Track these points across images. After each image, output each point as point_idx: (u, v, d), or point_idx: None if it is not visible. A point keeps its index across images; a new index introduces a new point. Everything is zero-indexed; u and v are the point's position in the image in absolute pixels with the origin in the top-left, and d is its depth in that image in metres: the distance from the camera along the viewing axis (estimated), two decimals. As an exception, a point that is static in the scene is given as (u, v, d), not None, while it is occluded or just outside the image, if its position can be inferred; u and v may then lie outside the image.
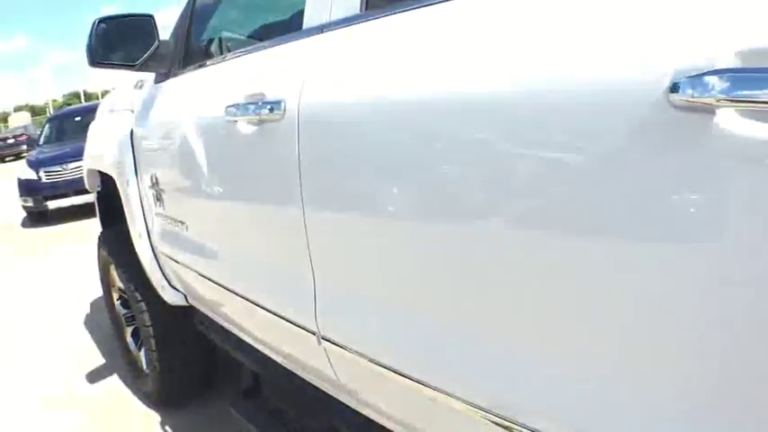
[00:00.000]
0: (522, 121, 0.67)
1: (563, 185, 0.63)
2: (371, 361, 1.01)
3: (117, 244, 2.34)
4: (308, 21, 1.10)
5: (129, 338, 2.53)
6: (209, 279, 1.55)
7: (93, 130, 2.43)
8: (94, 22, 1.68)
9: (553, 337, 0.69)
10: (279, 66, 1.15)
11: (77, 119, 8.35)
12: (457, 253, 0.80)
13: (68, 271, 4.72)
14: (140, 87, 1.94)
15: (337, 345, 1.08)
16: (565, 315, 0.66)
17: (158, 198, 1.79)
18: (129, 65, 1.69)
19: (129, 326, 2.52)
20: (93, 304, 3.73)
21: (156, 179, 1.77)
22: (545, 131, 0.65)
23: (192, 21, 1.69)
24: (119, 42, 1.70)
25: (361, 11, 0.99)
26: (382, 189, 0.90)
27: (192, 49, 1.68)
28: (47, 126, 8.97)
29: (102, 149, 2.19)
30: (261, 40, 1.44)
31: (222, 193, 1.42)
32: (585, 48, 0.61)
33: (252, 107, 1.14)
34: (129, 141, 1.93)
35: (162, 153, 1.74)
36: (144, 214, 1.95)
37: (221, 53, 1.63)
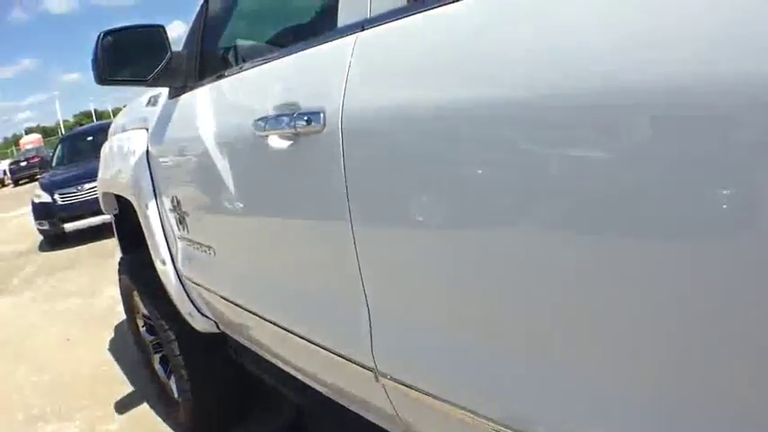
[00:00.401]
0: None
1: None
2: (440, 399, 0.87)
3: (139, 270, 2.22)
4: (345, 17, 0.97)
5: (157, 366, 2.42)
6: (243, 308, 1.43)
7: (106, 151, 2.32)
8: (100, 35, 1.55)
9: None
10: (313, 71, 1.02)
11: (90, 138, 8.30)
12: (538, 279, 0.66)
13: (91, 292, 4.64)
14: (154, 104, 1.82)
15: (400, 382, 0.94)
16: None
17: (181, 221, 1.67)
18: (140, 80, 1.57)
19: (156, 353, 2.41)
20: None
21: (178, 201, 1.65)
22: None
23: (206, 29, 1.56)
24: (128, 56, 1.57)
25: (408, 2, 0.85)
26: (446, 205, 0.77)
27: (207, 59, 1.56)
28: (59, 147, 8.94)
29: (116, 171, 2.08)
30: (283, 45, 1.32)
31: (254, 215, 1.30)
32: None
33: (285, 120, 1.01)
34: (146, 162, 1.81)
35: (183, 173, 1.62)
36: (166, 239, 1.83)
37: (240, 62, 1.50)
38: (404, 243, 0.86)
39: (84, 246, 6.64)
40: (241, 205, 1.32)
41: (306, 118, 0.96)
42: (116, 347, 3.39)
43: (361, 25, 0.90)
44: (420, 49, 0.80)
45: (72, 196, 7.02)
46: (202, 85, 1.50)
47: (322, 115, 0.93)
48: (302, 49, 1.07)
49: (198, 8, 1.58)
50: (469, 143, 0.71)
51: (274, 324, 1.29)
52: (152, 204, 1.82)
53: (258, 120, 1.10)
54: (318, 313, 1.12)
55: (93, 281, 4.97)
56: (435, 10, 0.77)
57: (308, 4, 1.50)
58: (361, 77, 0.88)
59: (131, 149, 1.90)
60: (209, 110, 1.41)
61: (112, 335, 3.60)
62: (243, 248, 1.41)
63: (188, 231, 1.66)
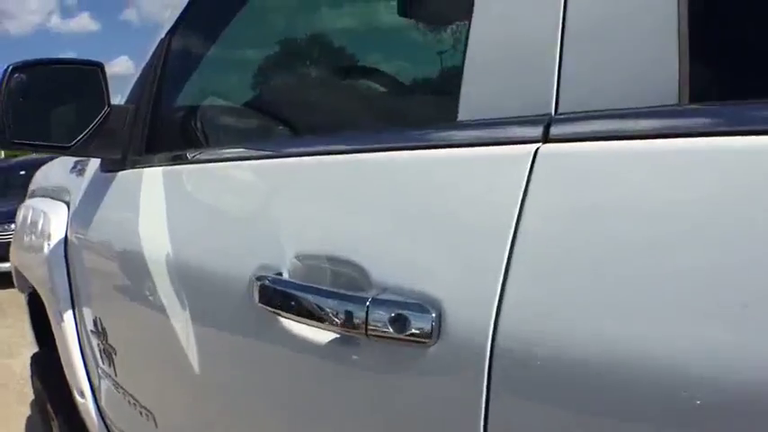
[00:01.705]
0: None
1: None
2: None
3: (56, 380, 1.63)
4: (481, 98, 0.51)
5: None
6: None
7: (22, 214, 1.74)
8: (6, 70, 1.02)
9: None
10: (407, 213, 0.53)
11: (22, 173, 7.37)
12: None
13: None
14: (80, 172, 1.27)
15: None
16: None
17: (106, 354, 1.12)
18: (59, 146, 1.03)
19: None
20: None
21: (103, 329, 1.09)
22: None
23: (164, 76, 1.04)
24: (45, 106, 1.04)
25: (679, 100, 0.39)
26: None
27: (162, 123, 1.03)
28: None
29: (28, 249, 1.51)
30: (309, 126, 0.83)
31: (236, 405, 0.76)
32: None
33: (332, 303, 0.51)
34: (63, 254, 1.25)
35: (112, 293, 1.07)
36: (86, 365, 1.27)
37: (217, 137, 0.98)
38: None
39: (6, 291, 5.84)
40: (210, 383, 0.79)
41: (394, 314, 0.47)
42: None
43: (544, 125, 0.44)
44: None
45: (-1, 236, 6.15)
46: (151, 164, 0.96)
47: (433, 317, 0.44)
48: (367, 148, 0.60)
49: (155, 44, 1.06)
50: None
51: None
52: (68, 316, 1.26)
53: (263, 279, 0.60)
54: None
55: (12, 336, 4.25)
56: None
57: (360, 43, 0.98)
58: (550, 252, 0.41)
59: (46, 229, 1.34)
60: (161, 215, 0.87)
61: (29, 412, 2.93)
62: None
63: (115, 373, 1.10)
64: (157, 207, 0.89)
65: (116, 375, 1.10)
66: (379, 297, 0.48)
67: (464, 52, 0.52)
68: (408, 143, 0.56)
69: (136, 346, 1.02)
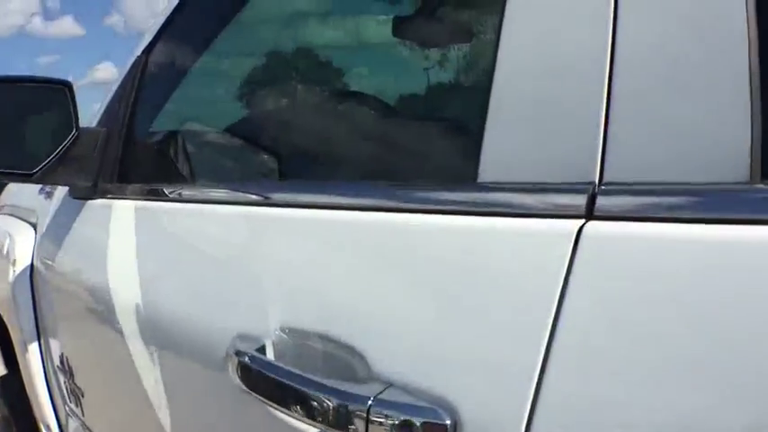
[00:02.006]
0: None
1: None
2: None
3: (20, 405, 1.54)
4: (505, 161, 0.44)
5: None
6: None
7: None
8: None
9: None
10: (430, 293, 0.45)
11: None
12: None
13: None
14: (48, 194, 1.19)
15: None
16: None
17: (73, 394, 1.04)
18: (22, 174, 0.94)
19: None
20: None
21: (70, 368, 1.02)
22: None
23: (139, 98, 0.96)
24: (5, 128, 0.96)
25: (751, 178, 0.33)
26: None
27: (136, 150, 0.95)
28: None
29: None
30: (310, 171, 0.75)
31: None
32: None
33: (334, 404, 0.45)
34: (29, 282, 1.17)
35: (79, 334, 0.99)
36: (52, 399, 1.19)
37: (196, 170, 0.91)
38: None
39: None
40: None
41: (400, 421, 0.41)
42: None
43: (588, 196, 0.37)
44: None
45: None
46: (124, 195, 0.89)
47: (449, 426, 0.38)
48: (374, 205, 0.52)
49: (130, 63, 0.98)
50: None
51: None
52: (33, 348, 1.17)
53: (242, 355, 0.52)
54: None
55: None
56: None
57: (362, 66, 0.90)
58: (596, 355, 0.35)
59: (11, 252, 1.25)
60: (131, 258, 0.79)
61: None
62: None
63: (83, 413, 1.02)
64: (128, 248, 0.81)
65: (84, 416, 1.02)
66: (383, 397, 0.42)
67: (488, 95, 0.44)
68: (423, 204, 0.48)
69: (104, 393, 0.94)
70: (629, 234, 0.35)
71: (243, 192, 0.69)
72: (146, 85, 0.96)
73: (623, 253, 0.35)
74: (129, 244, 0.81)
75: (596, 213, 0.37)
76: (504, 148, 0.43)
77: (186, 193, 0.76)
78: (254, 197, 0.67)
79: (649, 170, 0.36)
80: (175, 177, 0.90)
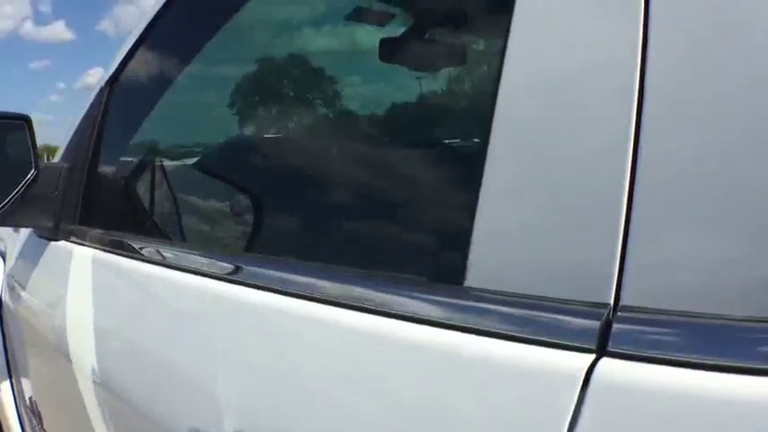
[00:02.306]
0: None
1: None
2: None
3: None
4: (498, 266, 0.36)
5: None
6: None
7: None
8: None
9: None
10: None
11: None
12: None
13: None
14: (16, 227, 1.13)
15: None
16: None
17: (42, 439, 0.99)
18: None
19: None
20: None
21: (39, 413, 0.97)
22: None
23: (104, 132, 0.89)
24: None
25: None
26: None
27: (100, 190, 0.89)
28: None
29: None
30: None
31: None
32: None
33: None
34: (-2, 314, 1.12)
35: (45, 380, 0.94)
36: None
37: (162, 215, 0.84)
38: None
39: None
40: None
41: None
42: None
43: (601, 325, 0.30)
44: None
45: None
46: (84, 241, 0.82)
47: None
48: (350, 302, 0.43)
49: (94, 93, 0.91)
50: None
51: None
52: (5, 386, 1.13)
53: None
54: None
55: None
56: None
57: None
58: None
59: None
60: (89, 316, 0.73)
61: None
62: None
63: (53, 460, 0.98)
64: (84, 303, 0.75)
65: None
66: None
67: (482, 169, 0.36)
68: (393, 305, 0.39)
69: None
70: (653, 381, 0.27)
71: (216, 259, 0.60)
72: (110, 117, 0.90)
73: (644, 409, 0.27)
74: (86, 299, 0.76)
75: (611, 348, 0.29)
76: (496, 247, 0.36)
77: (148, 250, 0.70)
78: (227, 267, 0.57)
79: (681, 294, 0.29)
80: (138, 221, 0.84)
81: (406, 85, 0.97)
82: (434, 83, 0.97)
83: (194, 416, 0.53)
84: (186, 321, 0.59)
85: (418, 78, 0.95)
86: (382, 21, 0.97)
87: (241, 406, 0.49)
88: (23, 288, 0.99)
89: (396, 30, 0.97)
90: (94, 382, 0.71)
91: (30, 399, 1.01)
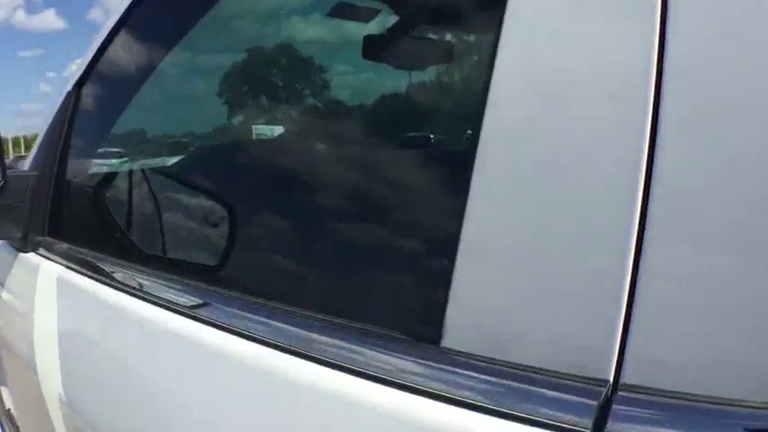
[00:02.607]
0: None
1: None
2: None
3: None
4: (481, 332, 0.32)
5: None
6: None
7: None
8: None
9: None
10: None
11: None
12: None
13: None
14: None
15: None
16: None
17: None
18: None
19: None
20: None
21: (16, 426, 0.95)
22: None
23: (72, 138, 0.85)
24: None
25: None
26: None
27: (68, 199, 0.85)
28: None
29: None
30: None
31: None
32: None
33: None
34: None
35: (20, 394, 0.92)
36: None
37: (131, 228, 0.80)
38: None
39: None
40: None
41: None
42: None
43: (599, 404, 0.27)
44: None
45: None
46: (51, 255, 0.79)
47: None
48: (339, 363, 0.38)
49: (61, 97, 0.87)
50: None
51: None
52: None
53: None
54: None
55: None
56: None
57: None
58: None
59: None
60: (54, 341, 0.70)
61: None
62: None
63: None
64: (51, 324, 0.72)
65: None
66: None
67: (462, 213, 0.33)
68: (384, 369, 0.35)
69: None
70: None
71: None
72: (79, 122, 0.86)
73: None
74: (51, 318, 0.73)
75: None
76: (478, 305, 0.32)
77: (114, 274, 0.65)
78: (204, 307, 0.51)
79: (690, 374, 0.25)
80: (106, 242, 0.80)
81: (390, 87, 0.92)
82: (422, 83, 0.91)
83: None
84: (150, 355, 0.56)
85: (403, 79, 0.90)
86: (367, 17, 0.92)
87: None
88: (3, 295, 0.96)
89: (381, 26, 0.91)
90: (60, 401, 0.68)
91: (9, 411, 0.99)
